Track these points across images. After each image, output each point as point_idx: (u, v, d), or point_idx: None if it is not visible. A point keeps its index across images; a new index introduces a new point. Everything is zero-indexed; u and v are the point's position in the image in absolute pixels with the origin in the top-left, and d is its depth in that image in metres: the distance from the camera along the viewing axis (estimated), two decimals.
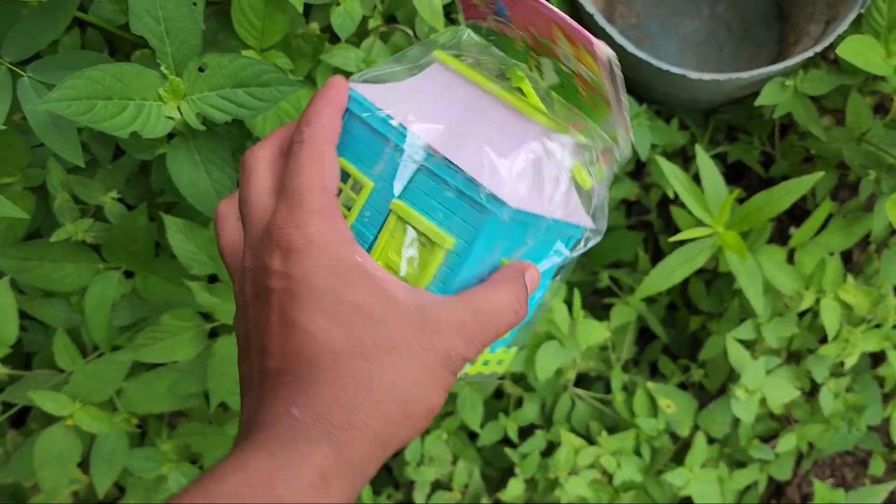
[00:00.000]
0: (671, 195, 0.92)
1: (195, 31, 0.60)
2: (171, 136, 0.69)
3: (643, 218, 1.03)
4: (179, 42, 0.59)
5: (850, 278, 0.83)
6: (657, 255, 1.01)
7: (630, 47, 0.81)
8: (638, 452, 0.86)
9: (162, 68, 0.59)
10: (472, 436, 0.89)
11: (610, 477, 0.84)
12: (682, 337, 0.99)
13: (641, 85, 0.91)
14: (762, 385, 0.81)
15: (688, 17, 1.05)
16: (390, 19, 0.79)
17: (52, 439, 0.67)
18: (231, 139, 0.69)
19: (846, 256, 1.00)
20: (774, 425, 0.91)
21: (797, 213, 1.05)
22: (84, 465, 0.75)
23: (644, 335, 1.02)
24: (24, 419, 0.88)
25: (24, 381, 0.73)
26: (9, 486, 0.82)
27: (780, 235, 1.05)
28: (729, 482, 0.87)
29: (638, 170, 1.02)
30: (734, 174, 1.05)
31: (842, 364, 0.86)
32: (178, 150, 0.63)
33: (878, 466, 0.94)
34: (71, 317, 0.75)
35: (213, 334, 0.69)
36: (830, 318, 0.80)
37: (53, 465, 0.67)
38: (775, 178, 0.99)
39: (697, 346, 0.98)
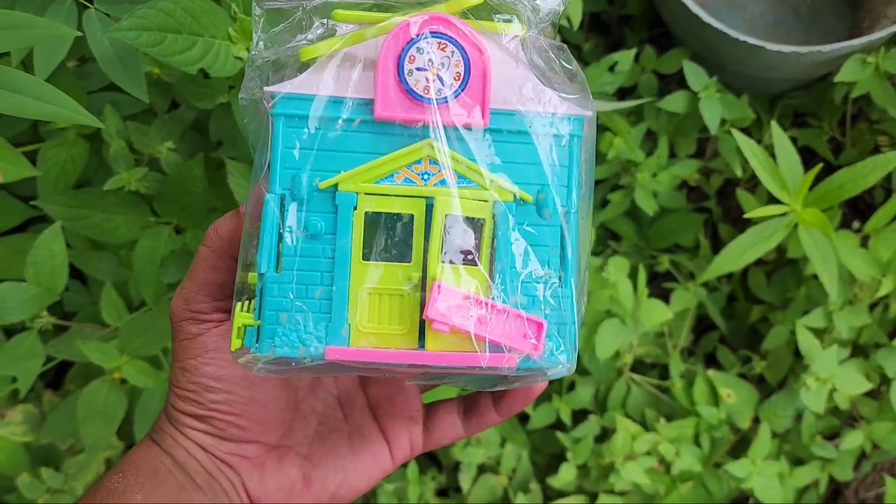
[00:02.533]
0: (739, 174, 0.88)
1: None
2: (230, 87, 0.67)
3: (702, 204, 0.99)
4: None
5: None
6: (716, 245, 0.97)
7: (706, 17, 0.78)
8: (697, 442, 0.83)
9: (232, 6, 0.57)
10: (524, 419, 0.86)
11: (667, 466, 0.80)
12: (740, 329, 0.96)
13: (711, 63, 0.88)
14: (834, 374, 0.77)
15: (752, 0, 1.01)
16: None
17: (97, 394, 0.65)
18: None
19: None
20: (836, 423, 0.87)
21: (861, 207, 1.01)
22: (120, 430, 0.73)
23: (699, 325, 0.98)
24: (59, 381, 0.86)
25: (68, 334, 0.70)
26: (43, 449, 0.79)
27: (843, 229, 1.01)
28: (790, 479, 0.83)
29: (700, 151, 0.98)
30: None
31: None
32: None
33: None
34: (119, 271, 0.73)
35: None
36: None
37: (97, 420, 0.64)
38: (843, 168, 0.96)
39: (755, 338, 0.94)
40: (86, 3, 0.58)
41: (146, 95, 0.58)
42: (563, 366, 0.33)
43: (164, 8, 0.53)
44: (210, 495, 0.38)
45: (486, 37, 0.33)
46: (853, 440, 0.82)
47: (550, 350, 0.32)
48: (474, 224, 0.32)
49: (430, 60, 0.32)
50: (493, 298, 0.32)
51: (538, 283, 0.33)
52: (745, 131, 0.98)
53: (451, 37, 0.32)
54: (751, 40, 0.77)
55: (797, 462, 0.87)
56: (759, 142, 0.95)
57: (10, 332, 0.68)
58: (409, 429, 0.42)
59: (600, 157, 0.85)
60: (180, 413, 0.39)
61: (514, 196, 0.32)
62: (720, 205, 1.00)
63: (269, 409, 0.39)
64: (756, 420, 0.85)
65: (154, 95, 0.70)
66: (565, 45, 0.35)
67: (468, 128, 0.32)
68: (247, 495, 0.39)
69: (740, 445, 0.86)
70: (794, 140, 0.96)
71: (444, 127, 0.32)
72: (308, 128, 0.32)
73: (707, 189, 0.98)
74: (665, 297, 0.88)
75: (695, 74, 0.86)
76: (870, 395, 0.87)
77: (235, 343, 0.33)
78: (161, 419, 0.40)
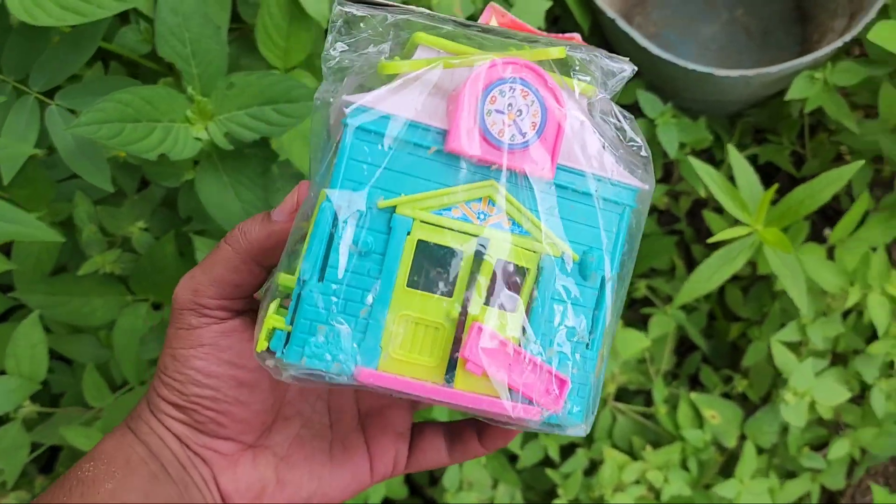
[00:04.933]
0: (703, 194, 0.90)
1: (221, 51, 0.60)
2: (195, 163, 0.68)
3: (673, 227, 1.01)
4: (206, 63, 0.59)
5: (894, 273, 0.81)
6: (690, 265, 0.98)
7: (654, 49, 0.80)
8: (685, 466, 0.84)
9: (189, 90, 0.58)
10: (512, 458, 0.87)
11: (657, 493, 0.81)
12: (721, 347, 0.97)
13: (666, 91, 0.90)
14: (811, 387, 0.79)
15: (706, 23, 1.04)
16: None
17: None
18: (256, 161, 0.68)
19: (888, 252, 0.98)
20: (824, 432, 0.88)
21: (830, 214, 1.03)
22: None
23: (681, 347, 0.99)
24: (51, 465, 0.87)
25: (54, 419, 0.71)
26: None
27: (814, 238, 1.03)
28: (780, 493, 0.84)
29: (666, 175, 1.00)
30: (763, 178, 1.04)
31: (892, 364, 0.83)
32: (205, 173, 0.62)
33: None
34: (99, 352, 0.74)
35: None
36: (879, 313, 0.77)
37: None
38: (807, 179, 0.97)
39: (737, 355, 0.95)
40: (47, 100, 0.60)
41: (110, 185, 0.60)
42: (581, 426, 0.33)
43: (121, 99, 0.55)
44: (181, 488, 0.38)
45: (565, 93, 0.33)
46: (840, 449, 0.83)
47: (570, 409, 0.33)
48: (519, 272, 0.32)
49: (510, 105, 0.32)
50: (526, 349, 0.32)
51: (569, 341, 0.33)
52: (707, 152, 1.00)
53: (533, 86, 0.32)
54: (699, 68, 0.79)
55: (788, 475, 0.88)
56: (721, 162, 0.97)
57: None
58: (395, 445, 0.41)
59: None
60: (161, 400, 0.38)
61: (563, 253, 0.33)
62: (691, 225, 1.01)
63: (252, 411, 0.39)
64: (743, 437, 0.86)
65: (122, 177, 0.71)
66: (632, 116, 0.36)
67: (533, 178, 0.32)
68: (218, 491, 0.39)
69: (730, 465, 0.87)
70: (755, 157, 0.98)
71: (511, 172, 0.32)
72: (379, 145, 0.32)
73: (676, 211, 1.00)
74: (645, 321, 0.90)
75: (649, 102, 0.88)
76: (854, 401, 0.88)
77: (262, 344, 0.32)
78: (140, 406, 0.40)
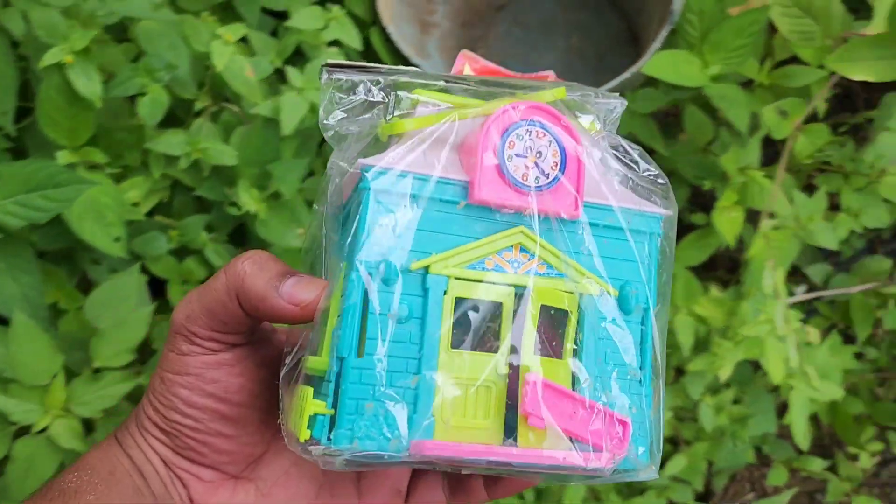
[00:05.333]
0: None
1: None
2: None
3: None
4: None
5: (714, 290, 0.82)
6: None
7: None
8: None
9: None
10: None
11: None
12: None
13: None
14: None
15: (545, 51, 1.06)
16: (219, 97, 0.81)
17: None
18: (48, 240, 0.71)
19: (712, 266, 1.00)
20: (668, 448, 0.90)
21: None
22: None
23: None
24: None
25: None
26: None
27: None
28: None
29: None
30: None
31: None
32: None
33: (778, 476, 0.93)
34: None
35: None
36: (684, 333, 0.79)
37: None
38: None
39: None
40: None
41: None
42: (650, 466, 0.32)
43: None
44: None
45: (578, 129, 0.33)
46: (677, 464, 0.85)
47: (636, 451, 0.31)
48: (561, 316, 0.31)
49: (529, 147, 0.31)
50: (583, 394, 0.30)
51: (621, 380, 0.32)
52: None
53: (549, 126, 0.32)
54: None
55: (638, 492, 0.89)
56: None
57: None
58: (390, 500, 0.39)
59: None
60: (147, 419, 0.37)
61: (601, 290, 0.32)
62: None
63: (237, 444, 0.37)
64: None
65: None
66: (640, 148, 0.35)
67: (561, 218, 0.32)
68: None
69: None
70: None
71: (539, 216, 0.31)
72: (400, 205, 0.31)
73: None
74: None
75: None
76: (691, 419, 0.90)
77: (304, 434, 0.30)
78: (129, 419, 0.39)
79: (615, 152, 0.34)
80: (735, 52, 0.77)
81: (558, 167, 0.32)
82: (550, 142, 0.32)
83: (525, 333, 0.30)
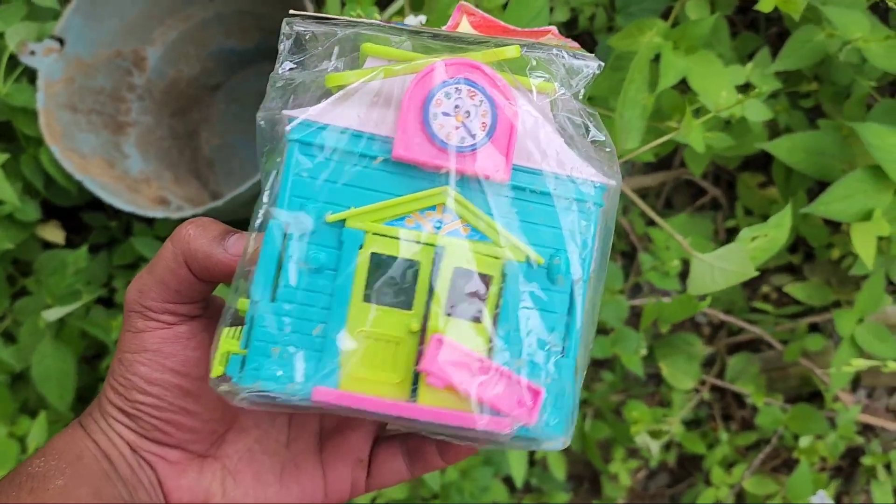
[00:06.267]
0: None
1: None
2: None
3: None
4: None
5: None
6: None
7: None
8: None
9: None
10: None
11: None
12: None
13: None
14: None
15: None
16: None
17: None
18: None
19: None
20: None
21: None
22: None
23: None
24: None
25: None
26: None
27: None
28: None
29: None
30: None
31: None
32: None
33: None
34: None
35: None
36: None
37: None
38: None
39: None
40: None
41: None
42: (560, 438, 0.32)
43: None
44: (130, 489, 0.36)
45: (518, 91, 0.32)
46: None
47: (546, 421, 0.31)
48: (482, 280, 0.31)
49: (456, 107, 0.31)
50: (494, 359, 0.30)
51: (541, 349, 0.31)
52: None
53: (481, 86, 0.31)
54: None
55: None
56: None
57: None
58: (352, 472, 0.39)
59: None
60: (109, 403, 0.37)
61: (527, 257, 0.31)
62: None
63: (200, 420, 0.37)
64: None
65: None
66: (597, 113, 0.34)
67: (488, 181, 0.31)
68: (163, 495, 0.38)
69: None
70: None
71: (464, 177, 0.31)
72: (323, 158, 0.31)
73: None
74: None
75: None
76: None
77: (217, 370, 0.31)
78: (92, 407, 0.38)
79: (569, 115, 0.33)
80: None
81: (487, 128, 0.31)
82: (482, 101, 0.31)
83: (438, 293, 0.30)
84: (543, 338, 0.32)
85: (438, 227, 0.31)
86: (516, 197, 0.32)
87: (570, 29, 0.87)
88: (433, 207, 0.31)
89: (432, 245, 0.31)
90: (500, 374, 0.30)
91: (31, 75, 0.85)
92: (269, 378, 0.30)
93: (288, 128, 0.31)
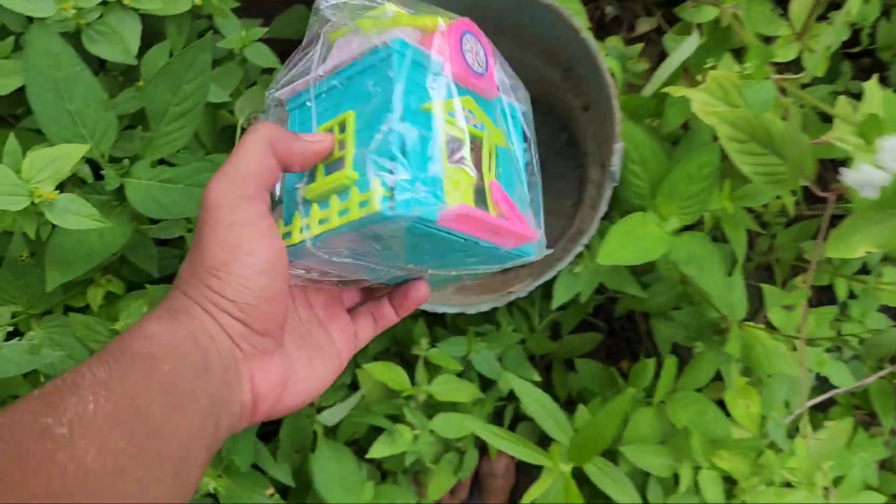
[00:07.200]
0: None
1: None
2: None
3: None
4: None
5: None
6: None
7: None
8: None
9: None
10: None
11: None
12: None
13: None
14: None
15: None
16: None
17: None
18: None
19: None
20: None
21: None
22: None
23: None
24: None
25: None
26: None
27: None
28: None
29: None
30: None
31: None
32: None
33: None
34: None
35: None
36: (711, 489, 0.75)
37: None
38: None
39: None
40: None
41: None
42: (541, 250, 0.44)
43: None
44: (222, 384, 0.37)
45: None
46: None
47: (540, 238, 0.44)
48: (492, 152, 0.43)
49: (472, 48, 0.43)
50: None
51: (521, 190, 0.45)
52: None
53: (479, 36, 0.44)
54: None
55: None
56: None
57: None
58: (348, 337, 0.46)
59: None
60: (218, 296, 0.38)
61: (507, 143, 0.45)
62: None
63: (282, 305, 0.40)
64: None
65: None
66: (502, 56, 0.47)
67: (490, 96, 0.44)
68: (251, 390, 0.39)
69: None
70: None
71: (476, 93, 0.43)
72: (422, 68, 0.41)
73: None
74: None
75: None
76: None
77: (299, 237, 0.40)
78: (183, 300, 0.38)
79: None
80: (690, 200, 0.71)
81: (485, 63, 0.44)
82: (481, 46, 0.44)
83: (485, 159, 0.42)
84: (522, 183, 0.45)
85: (468, 121, 0.42)
86: (498, 108, 0.45)
87: None
88: (464, 108, 0.42)
89: (469, 131, 0.41)
90: (515, 209, 0.43)
91: None
92: (423, 203, 0.37)
93: (395, 44, 0.40)
